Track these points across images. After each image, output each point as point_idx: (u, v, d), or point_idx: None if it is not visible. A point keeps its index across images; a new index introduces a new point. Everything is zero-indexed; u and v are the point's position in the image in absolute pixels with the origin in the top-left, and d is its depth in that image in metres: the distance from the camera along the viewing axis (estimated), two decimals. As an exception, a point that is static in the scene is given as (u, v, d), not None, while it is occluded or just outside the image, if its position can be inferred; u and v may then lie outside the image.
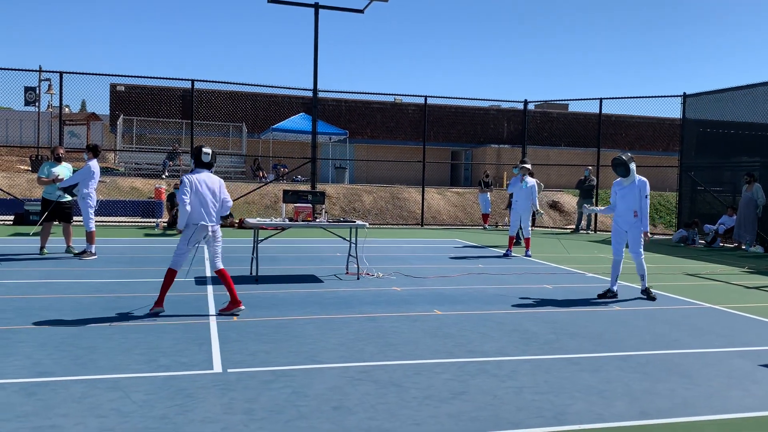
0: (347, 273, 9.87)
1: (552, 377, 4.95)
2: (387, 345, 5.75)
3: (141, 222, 17.90)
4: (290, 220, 9.76)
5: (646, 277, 8.49)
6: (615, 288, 8.41)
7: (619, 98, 19.82)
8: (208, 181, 6.72)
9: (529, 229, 13.06)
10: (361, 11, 17.98)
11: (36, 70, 20.94)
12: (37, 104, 32.65)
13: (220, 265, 6.84)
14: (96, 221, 11.26)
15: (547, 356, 5.55)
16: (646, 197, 8.21)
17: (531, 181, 12.94)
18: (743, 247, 15.52)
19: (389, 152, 31.64)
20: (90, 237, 10.64)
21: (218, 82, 19.17)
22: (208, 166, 6.85)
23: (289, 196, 9.71)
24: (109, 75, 21.56)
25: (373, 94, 36.69)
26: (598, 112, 20.06)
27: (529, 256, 12.72)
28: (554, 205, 24.89)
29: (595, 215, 19.41)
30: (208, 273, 9.46)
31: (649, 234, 8.38)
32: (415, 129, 32.28)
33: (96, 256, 10.74)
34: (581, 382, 4.84)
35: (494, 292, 8.57)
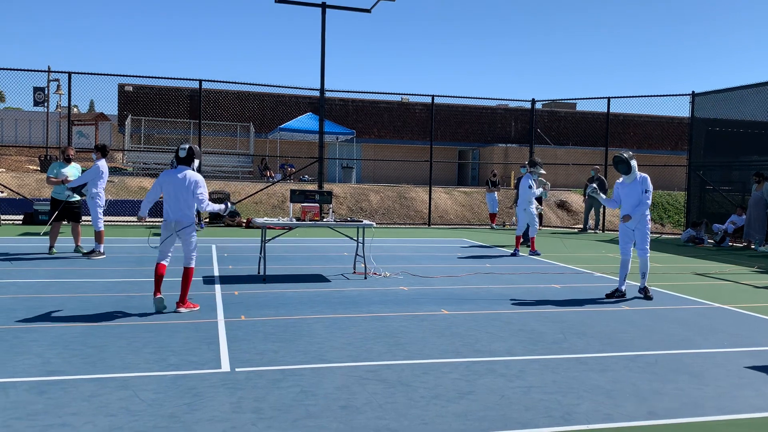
0: (354, 272, 9.89)
1: (560, 377, 4.94)
2: (395, 344, 5.76)
3: (149, 221, 17.97)
4: (298, 219, 9.78)
5: (647, 276, 8.46)
6: (623, 288, 8.38)
7: (627, 97, 19.69)
8: (180, 177, 6.77)
9: (536, 227, 13.06)
10: (368, 11, 17.99)
11: (45, 71, 21.08)
12: (46, 104, 32.86)
13: (188, 264, 6.87)
14: (104, 221, 11.32)
15: (555, 356, 5.54)
16: (647, 192, 8.18)
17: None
18: (753, 246, 15.44)
19: (396, 152, 31.64)
20: (99, 237, 10.70)
21: (226, 82, 19.22)
22: (185, 162, 6.88)
23: (297, 196, 9.75)
24: (117, 75, 21.64)
25: (381, 93, 36.83)
26: (606, 111, 19.98)
27: (538, 254, 12.72)
28: (562, 205, 24.83)
29: (604, 212, 19.34)
30: (216, 273, 9.49)
31: (630, 216, 8.24)
32: (423, 128, 32.27)
33: (104, 256, 10.81)
34: (589, 382, 4.83)
35: (502, 292, 8.56)
